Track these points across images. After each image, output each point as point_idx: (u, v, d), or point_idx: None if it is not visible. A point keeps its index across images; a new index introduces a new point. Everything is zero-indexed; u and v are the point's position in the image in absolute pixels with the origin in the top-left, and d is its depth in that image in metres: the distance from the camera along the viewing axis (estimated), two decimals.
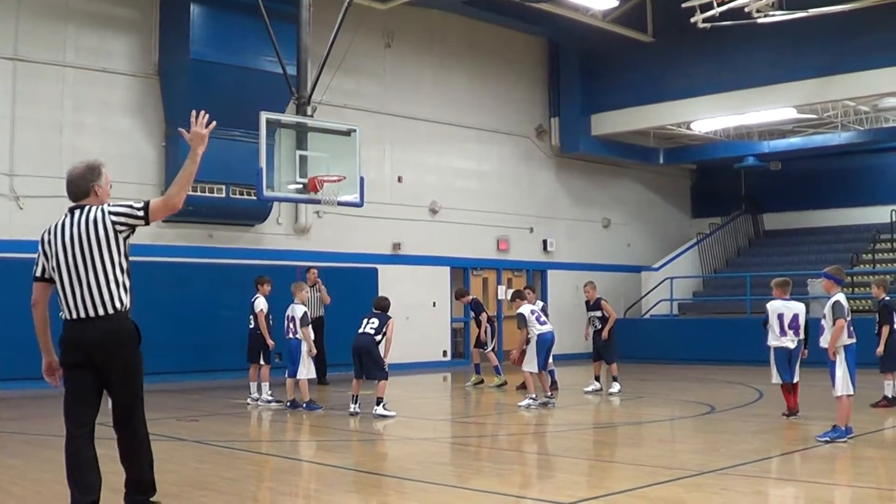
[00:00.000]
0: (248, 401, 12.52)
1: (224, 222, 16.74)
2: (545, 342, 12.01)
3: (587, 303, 14.27)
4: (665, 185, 26.44)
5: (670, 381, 16.51)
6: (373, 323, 11.14)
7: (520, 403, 12.01)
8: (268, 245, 17.51)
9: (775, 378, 10.39)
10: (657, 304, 22.77)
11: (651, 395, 14.04)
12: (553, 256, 22.92)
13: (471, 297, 15.74)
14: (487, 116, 21.56)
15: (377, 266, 19.00)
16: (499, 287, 21.61)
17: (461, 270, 21.04)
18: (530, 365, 11.97)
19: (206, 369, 16.01)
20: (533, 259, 22.45)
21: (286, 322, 11.93)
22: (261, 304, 12.41)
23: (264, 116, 13.44)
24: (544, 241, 22.67)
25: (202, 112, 5.27)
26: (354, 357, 11.13)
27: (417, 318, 19.62)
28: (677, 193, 26.96)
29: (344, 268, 18.29)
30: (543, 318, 12.31)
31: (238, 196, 16.12)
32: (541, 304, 13.84)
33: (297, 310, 11.90)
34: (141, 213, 5.13)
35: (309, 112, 14.64)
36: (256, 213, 16.76)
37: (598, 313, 14.04)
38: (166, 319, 15.58)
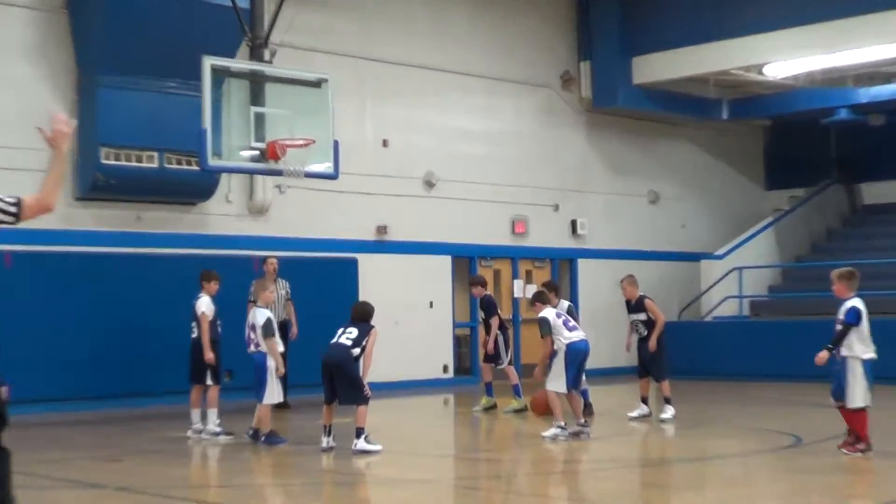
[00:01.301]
0: (189, 433, 12.46)
1: (157, 200, 16.62)
2: (577, 353, 11.93)
3: (628, 303, 14.19)
4: (731, 147, 26.30)
5: (741, 404, 16.42)
6: (350, 333, 11.04)
7: (544, 434, 11.94)
8: (214, 229, 17.41)
9: (864, 400, 10.23)
10: (722, 302, 22.68)
11: (716, 422, 13.96)
12: (585, 241, 22.80)
13: (485, 293, 15.61)
14: (498, 61, 21.42)
15: (356, 255, 18.91)
16: (514, 282, 21.51)
17: (466, 261, 20.91)
18: (556, 383, 11.88)
19: (133, 393, 15.89)
20: (559, 245, 22.34)
21: (247, 331, 11.85)
22: (204, 305, 12.34)
23: (209, 63, 13.32)
24: (573, 222, 22.57)
25: (60, 114, 5.74)
26: (325, 375, 11.06)
27: (410, 324, 19.52)
28: (747, 158, 26.83)
29: (313, 258, 18.18)
30: (573, 322, 12.22)
31: (175, 166, 16.01)
32: (566, 304, 13.68)
33: (259, 316, 11.81)
34: (13, 210, 5.41)
35: (267, 57, 14.53)
36: (199, 187, 16.66)
37: (642, 316, 13.99)
38: (79, 327, 15.48)
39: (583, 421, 12.14)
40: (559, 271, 22.34)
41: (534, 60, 22.09)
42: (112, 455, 11.25)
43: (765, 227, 24.68)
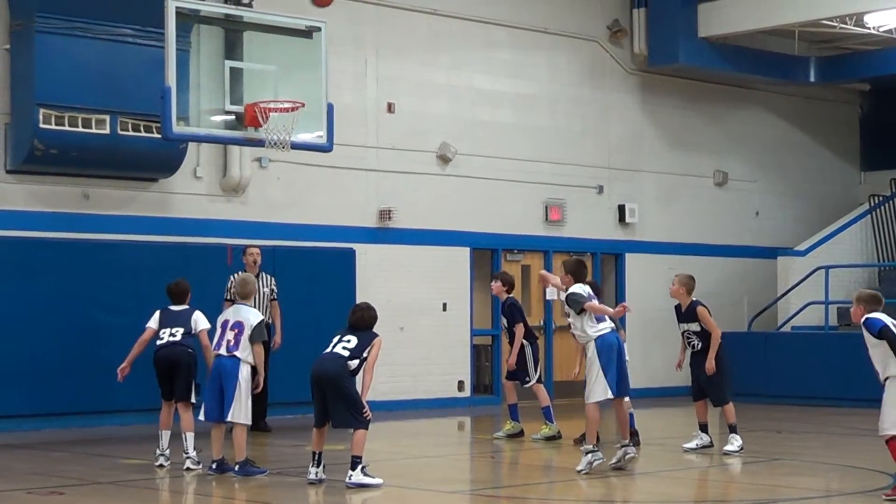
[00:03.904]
0: (161, 461, 12.50)
1: (108, 175, 16.69)
2: (610, 347, 11.97)
3: (677, 309, 14.23)
4: (819, 117, 26.23)
5: (825, 434, 16.40)
6: (348, 342, 11.14)
7: (579, 468, 12.00)
8: (180, 211, 17.47)
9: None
10: (804, 309, 22.63)
11: (792, 457, 13.97)
12: (635, 232, 22.82)
13: (508, 295, 15.64)
14: (531, 7, 21.42)
15: (354, 245, 18.97)
16: None
17: (488, 253, 20.95)
18: (599, 390, 11.90)
19: (82, 412, 15.99)
20: (602, 236, 22.37)
21: (222, 331, 11.95)
22: (206, 318, 12.60)
23: (173, 5, 13.38)
24: (621, 208, 22.59)
25: None
26: (315, 392, 11.15)
27: (418, 330, 19.56)
28: (838, 131, 26.76)
29: (301, 248, 18.24)
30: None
31: (131, 133, 16.03)
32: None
33: (251, 314, 11.97)
34: None
35: None
36: (161, 160, 16.69)
37: (695, 326, 14.02)
38: (14, 331, 15.56)
39: (626, 441, 12.24)
40: (602, 268, 22.35)
41: (575, 7, 22.06)
42: (53, 486, 11.29)
43: (859, 217, 24.62)
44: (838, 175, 26.63)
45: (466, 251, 20.54)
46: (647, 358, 20.84)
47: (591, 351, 11.97)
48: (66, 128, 15.54)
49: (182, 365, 12.41)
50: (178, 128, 13.56)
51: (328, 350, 11.18)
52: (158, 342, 12.53)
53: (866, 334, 10.43)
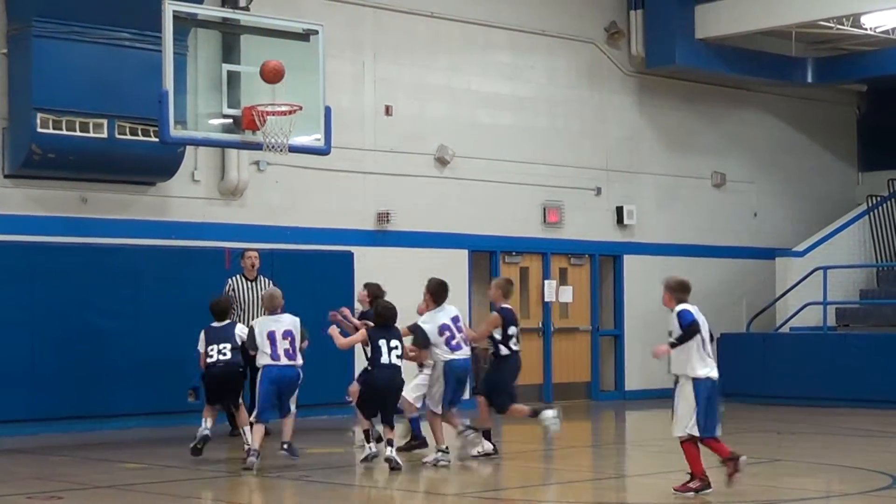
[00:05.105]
0: (207, 433, 13.02)
1: (106, 179, 16.70)
2: (452, 371, 12.92)
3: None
4: (816, 118, 26.23)
5: (824, 435, 16.41)
6: (396, 348, 12.22)
7: (425, 459, 12.87)
8: (178, 215, 17.47)
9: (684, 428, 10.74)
10: (802, 309, 22.62)
11: (792, 457, 13.97)
12: (633, 234, 22.82)
13: (367, 297, 15.21)
14: (529, 10, 21.43)
15: (352, 248, 18.96)
16: (546, 282, 21.51)
17: (486, 256, 20.96)
18: (432, 403, 13.05)
19: (80, 415, 15.99)
20: (601, 237, 22.37)
21: (273, 341, 12.51)
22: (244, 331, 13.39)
23: (170, 8, 13.38)
24: (619, 210, 22.58)
25: None
26: (378, 401, 12.37)
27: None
28: (836, 132, 26.76)
29: (299, 252, 18.25)
30: (458, 337, 13.01)
31: (128, 137, 16.05)
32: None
33: (294, 321, 12.83)
34: None
35: (242, 2, 14.56)
36: (158, 163, 16.71)
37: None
38: (13, 335, 15.57)
39: (444, 447, 12.91)
40: (601, 270, 22.36)
41: (572, 9, 22.07)
42: (53, 491, 11.31)
43: (857, 218, 24.62)
44: (836, 176, 26.64)
45: (465, 253, 20.54)
46: (646, 360, 20.78)
47: (437, 367, 12.93)
48: (64, 132, 15.56)
49: (234, 382, 13.30)
50: (175, 131, 13.58)
51: (385, 360, 12.21)
52: (209, 360, 13.15)
53: (675, 324, 10.79)
